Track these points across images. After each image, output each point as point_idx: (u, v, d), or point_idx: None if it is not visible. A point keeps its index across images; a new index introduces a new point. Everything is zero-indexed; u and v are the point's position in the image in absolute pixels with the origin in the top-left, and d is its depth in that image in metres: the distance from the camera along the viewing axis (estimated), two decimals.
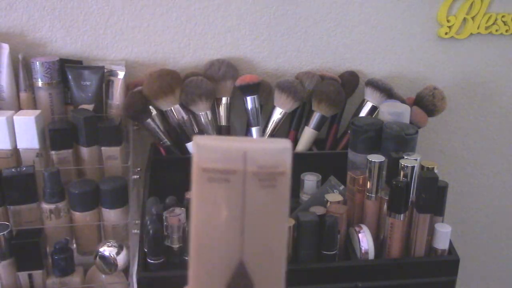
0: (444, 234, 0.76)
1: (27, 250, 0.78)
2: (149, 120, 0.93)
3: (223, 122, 1.00)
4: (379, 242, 0.80)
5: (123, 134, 0.92)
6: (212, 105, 0.97)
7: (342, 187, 0.83)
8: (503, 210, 1.24)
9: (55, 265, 0.80)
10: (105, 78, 0.94)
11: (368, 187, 0.79)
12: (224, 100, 0.99)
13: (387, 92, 0.98)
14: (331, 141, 1.03)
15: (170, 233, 0.74)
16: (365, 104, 1.00)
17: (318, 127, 0.99)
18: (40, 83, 0.91)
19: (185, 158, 0.95)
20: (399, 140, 0.82)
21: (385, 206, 0.78)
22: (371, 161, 0.78)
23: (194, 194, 0.34)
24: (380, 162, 0.77)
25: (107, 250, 0.79)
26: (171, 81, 0.92)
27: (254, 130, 0.98)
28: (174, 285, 0.73)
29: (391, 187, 0.75)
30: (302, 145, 1.00)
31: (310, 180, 0.87)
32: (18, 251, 0.78)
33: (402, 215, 0.75)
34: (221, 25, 0.98)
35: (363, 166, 0.82)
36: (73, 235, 0.87)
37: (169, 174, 0.94)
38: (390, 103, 0.95)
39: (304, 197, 0.88)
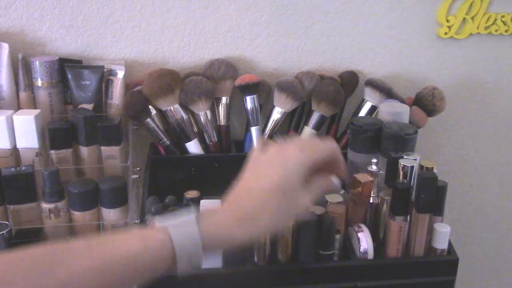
0: (443, 234, 0.76)
1: None
2: (148, 120, 0.93)
3: (222, 121, 1.00)
4: (379, 242, 0.80)
5: (123, 133, 0.92)
6: (211, 104, 0.97)
7: (342, 191, 0.83)
8: (503, 210, 1.24)
9: None
10: (104, 77, 0.94)
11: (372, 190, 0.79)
12: (223, 99, 0.99)
13: (387, 92, 0.98)
14: None
15: None
16: (364, 104, 1.00)
17: (317, 127, 0.99)
18: (39, 83, 0.91)
19: (185, 158, 0.95)
20: (399, 140, 0.82)
21: (385, 206, 0.78)
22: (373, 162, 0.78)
23: None
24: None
25: None
26: (170, 81, 0.92)
27: (253, 129, 0.98)
28: (174, 285, 0.73)
29: (393, 190, 0.75)
30: None
31: None
32: None
33: (402, 216, 0.75)
34: (221, 25, 0.98)
35: (362, 166, 0.82)
36: (72, 235, 0.87)
37: (168, 173, 0.94)
38: (390, 103, 0.95)
39: None
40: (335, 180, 0.63)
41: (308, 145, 0.59)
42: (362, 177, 0.77)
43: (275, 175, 0.56)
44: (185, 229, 0.52)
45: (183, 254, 0.52)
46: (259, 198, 0.55)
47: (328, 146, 0.60)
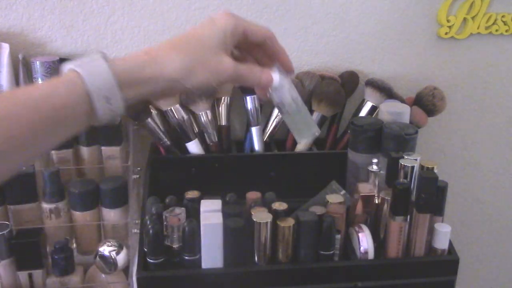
0: (444, 234, 0.76)
1: (27, 249, 0.78)
2: (149, 120, 0.93)
3: (223, 121, 1.00)
4: (379, 242, 0.80)
5: (123, 133, 0.92)
6: (212, 104, 0.97)
7: (343, 192, 0.83)
8: (503, 210, 1.24)
9: (55, 265, 0.80)
10: None
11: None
12: (224, 99, 0.99)
13: (387, 92, 0.98)
14: (331, 141, 1.03)
15: (170, 233, 0.74)
16: (365, 104, 1.00)
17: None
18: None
19: (185, 158, 0.95)
20: (399, 140, 0.82)
21: (385, 206, 0.78)
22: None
23: None
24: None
25: (107, 249, 0.79)
26: None
27: (254, 129, 0.98)
28: (174, 285, 0.73)
29: (394, 190, 0.75)
30: (302, 145, 1.00)
31: None
32: (18, 250, 0.78)
33: (402, 216, 0.75)
34: None
35: (363, 166, 0.82)
36: (73, 235, 0.87)
37: (169, 173, 0.94)
38: (390, 103, 0.95)
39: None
40: (275, 76, 0.64)
41: (243, 18, 0.60)
42: (363, 188, 0.76)
43: (198, 28, 0.58)
44: (92, 65, 0.50)
45: (97, 92, 0.49)
46: (171, 41, 0.58)
47: (265, 28, 0.61)
